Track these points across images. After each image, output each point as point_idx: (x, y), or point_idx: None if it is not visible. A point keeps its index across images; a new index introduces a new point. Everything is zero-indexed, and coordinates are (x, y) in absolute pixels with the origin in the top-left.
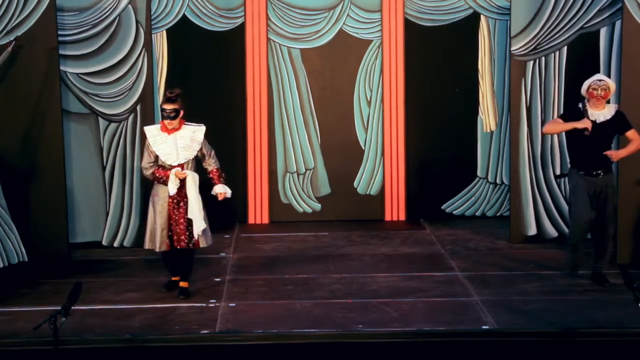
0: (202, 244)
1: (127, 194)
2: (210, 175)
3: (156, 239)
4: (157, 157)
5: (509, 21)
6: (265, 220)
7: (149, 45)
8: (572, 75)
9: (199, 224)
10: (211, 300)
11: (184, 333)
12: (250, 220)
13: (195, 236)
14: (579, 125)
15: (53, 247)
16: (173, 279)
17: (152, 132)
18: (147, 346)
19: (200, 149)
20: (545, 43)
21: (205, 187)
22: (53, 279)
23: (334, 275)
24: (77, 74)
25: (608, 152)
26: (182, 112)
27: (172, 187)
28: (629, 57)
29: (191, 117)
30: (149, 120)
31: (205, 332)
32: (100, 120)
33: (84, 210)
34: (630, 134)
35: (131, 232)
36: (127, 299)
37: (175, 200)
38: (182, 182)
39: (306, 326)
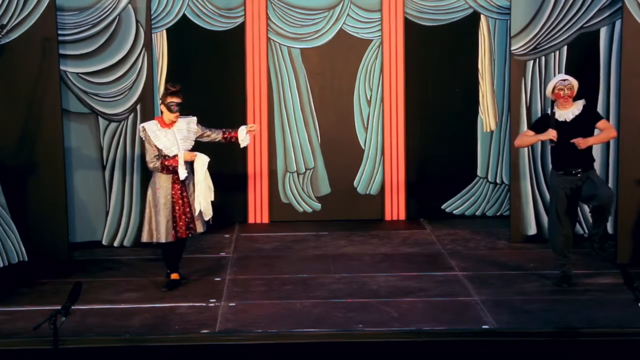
0: (200, 229)
1: (127, 194)
2: (225, 136)
3: (161, 230)
4: (160, 150)
5: (509, 21)
6: (265, 220)
7: (149, 45)
8: (572, 74)
9: (207, 207)
10: (211, 300)
11: (183, 333)
12: (250, 220)
13: (207, 217)
14: (544, 137)
15: (53, 247)
16: (172, 277)
17: (152, 127)
18: (147, 346)
19: (200, 134)
20: (545, 43)
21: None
22: (53, 278)
23: (334, 275)
24: (77, 73)
25: (575, 140)
26: None
27: (183, 171)
28: (629, 57)
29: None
30: (149, 119)
31: (205, 332)
32: (100, 119)
33: (84, 210)
34: (601, 124)
35: (131, 232)
36: (127, 298)
37: (179, 191)
38: (190, 166)
39: (306, 326)
